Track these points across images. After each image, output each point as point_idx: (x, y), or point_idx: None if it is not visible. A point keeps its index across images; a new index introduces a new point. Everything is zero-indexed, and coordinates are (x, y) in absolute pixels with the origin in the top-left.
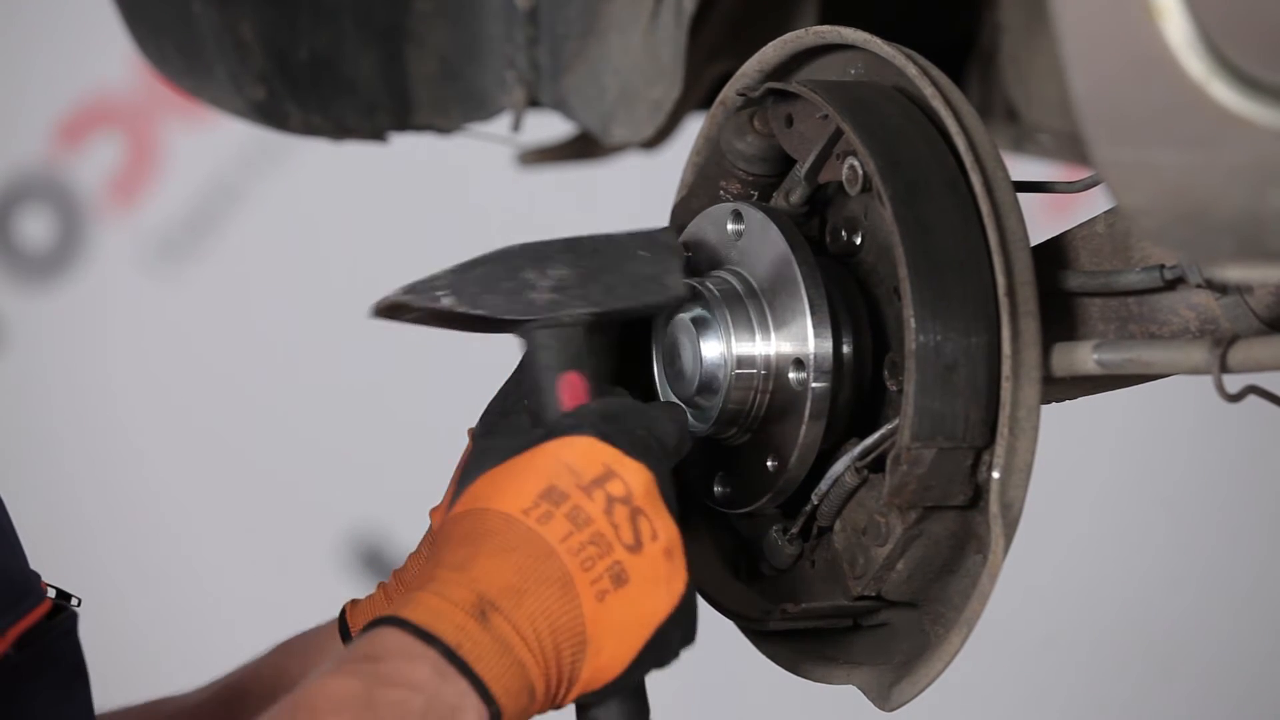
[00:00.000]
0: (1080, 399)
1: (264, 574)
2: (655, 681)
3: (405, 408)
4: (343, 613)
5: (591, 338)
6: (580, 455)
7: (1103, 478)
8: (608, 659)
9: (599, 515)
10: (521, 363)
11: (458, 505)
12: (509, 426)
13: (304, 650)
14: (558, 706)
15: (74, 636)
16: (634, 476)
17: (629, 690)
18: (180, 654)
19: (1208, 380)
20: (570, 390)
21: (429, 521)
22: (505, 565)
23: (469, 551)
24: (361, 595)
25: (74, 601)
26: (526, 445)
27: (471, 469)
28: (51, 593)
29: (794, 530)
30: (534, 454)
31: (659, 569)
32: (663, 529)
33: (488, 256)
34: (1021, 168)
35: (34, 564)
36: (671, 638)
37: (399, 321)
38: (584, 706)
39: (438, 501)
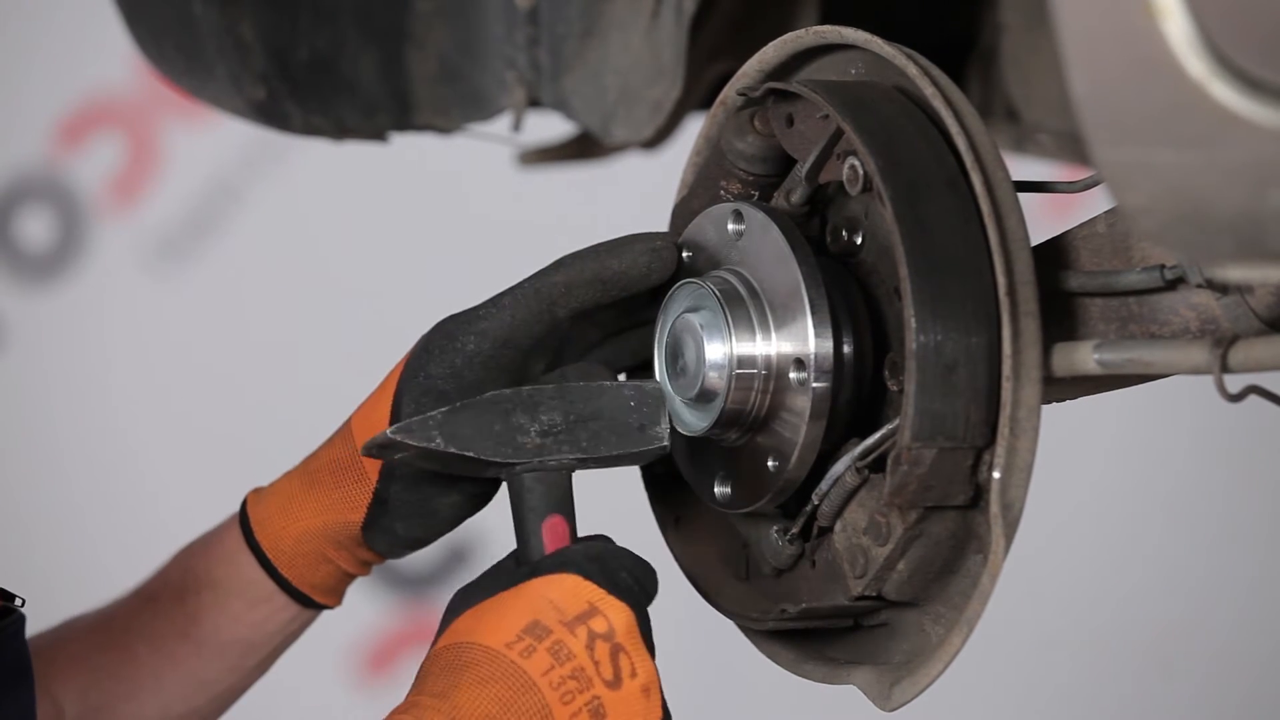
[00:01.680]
0: (1079, 399)
1: None
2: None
3: None
4: (244, 504)
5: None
6: (565, 592)
7: (1101, 477)
8: None
9: (581, 651)
10: (511, 504)
11: (441, 640)
12: (495, 569)
13: (206, 548)
14: None
15: (20, 638)
16: (616, 614)
17: None
18: None
19: (1205, 380)
20: (553, 534)
21: (349, 425)
22: (485, 696)
23: (450, 681)
24: (361, 597)
25: (18, 601)
26: (511, 583)
27: (456, 604)
28: None
29: (794, 530)
30: (519, 590)
31: (636, 706)
32: (642, 667)
33: (480, 400)
34: (1022, 168)
35: (32, 564)
36: None
37: (387, 459)
38: None
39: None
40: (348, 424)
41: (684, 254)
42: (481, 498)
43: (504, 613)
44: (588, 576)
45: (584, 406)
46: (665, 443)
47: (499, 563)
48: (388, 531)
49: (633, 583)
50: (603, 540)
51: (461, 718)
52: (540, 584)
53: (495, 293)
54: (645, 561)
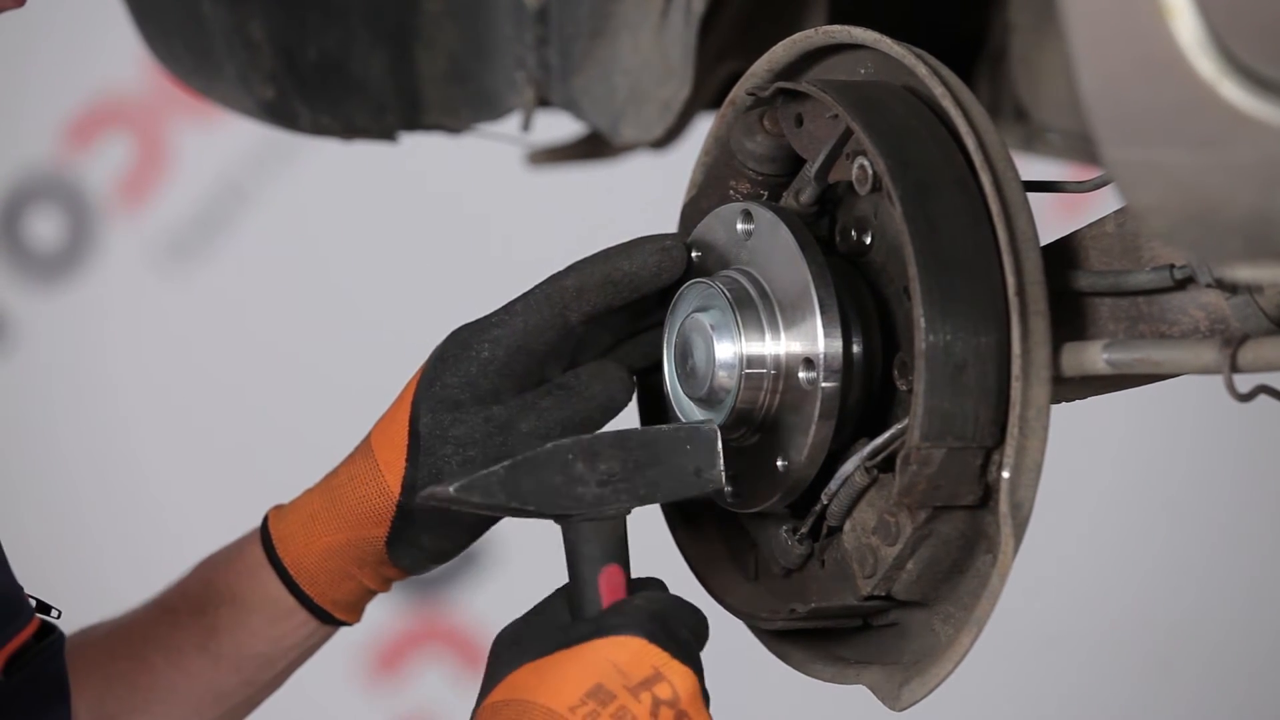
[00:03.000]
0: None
1: None
2: None
3: None
4: (265, 520)
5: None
6: (629, 657)
7: (1105, 477)
8: None
9: (644, 717)
10: (565, 550)
11: (496, 693)
12: (547, 612)
13: (227, 562)
14: None
15: (60, 658)
16: (681, 681)
17: None
18: None
19: (1209, 380)
20: (610, 584)
21: (368, 441)
22: None
23: None
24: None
25: (54, 613)
26: (573, 640)
27: (508, 656)
28: (32, 603)
29: (803, 530)
30: (582, 650)
31: None
32: None
33: (541, 453)
34: (1031, 167)
35: (44, 568)
36: None
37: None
38: None
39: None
40: (367, 439)
41: (693, 254)
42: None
43: (566, 673)
44: (652, 640)
45: (641, 453)
46: (722, 484)
47: (548, 605)
48: (413, 545)
49: (693, 640)
50: (658, 587)
51: None
52: (604, 645)
53: (504, 293)
54: (699, 610)
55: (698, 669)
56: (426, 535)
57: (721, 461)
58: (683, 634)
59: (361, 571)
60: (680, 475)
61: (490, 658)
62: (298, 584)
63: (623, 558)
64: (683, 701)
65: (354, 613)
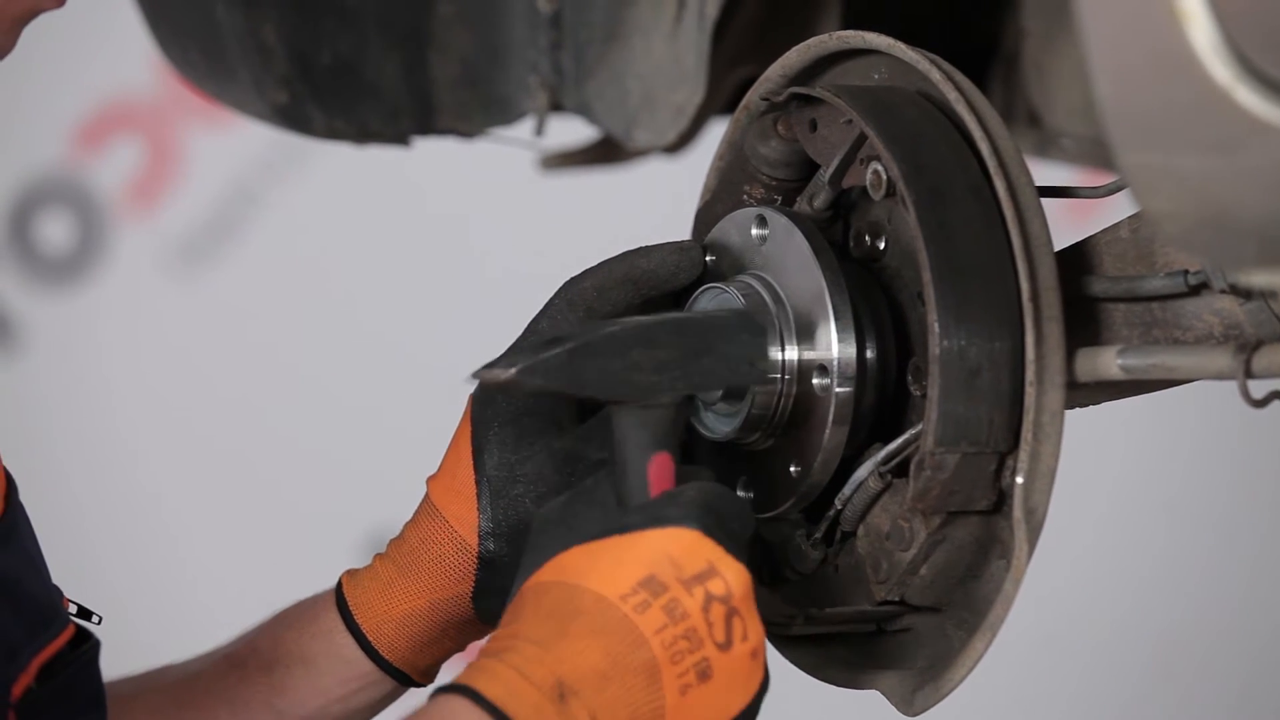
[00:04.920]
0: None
1: (283, 583)
2: None
3: (421, 413)
4: (340, 583)
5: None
6: (684, 549)
7: (1105, 480)
8: None
9: (696, 611)
10: (614, 438)
11: (543, 572)
12: (593, 493)
13: (301, 623)
14: None
15: (95, 667)
16: (735, 577)
17: None
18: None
19: (1211, 383)
20: (660, 471)
21: (426, 490)
22: (594, 648)
23: (556, 628)
24: None
25: (95, 619)
26: (627, 527)
27: (555, 534)
28: (73, 609)
29: (817, 535)
30: (635, 539)
31: (743, 669)
32: (754, 631)
33: (599, 338)
34: (1045, 172)
35: (58, 568)
36: None
37: (491, 396)
38: None
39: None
40: (427, 499)
41: (707, 258)
42: None
43: (620, 560)
44: (708, 533)
45: (698, 340)
46: (772, 375)
47: (593, 488)
48: (501, 593)
49: (743, 534)
50: (707, 478)
51: (567, 671)
52: (658, 536)
53: (516, 301)
54: (745, 504)
55: (751, 565)
56: (510, 577)
57: (773, 352)
58: (736, 528)
59: (446, 635)
60: (733, 365)
61: (532, 535)
62: (377, 650)
63: (673, 446)
64: (735, 598)
65: (429, 675)
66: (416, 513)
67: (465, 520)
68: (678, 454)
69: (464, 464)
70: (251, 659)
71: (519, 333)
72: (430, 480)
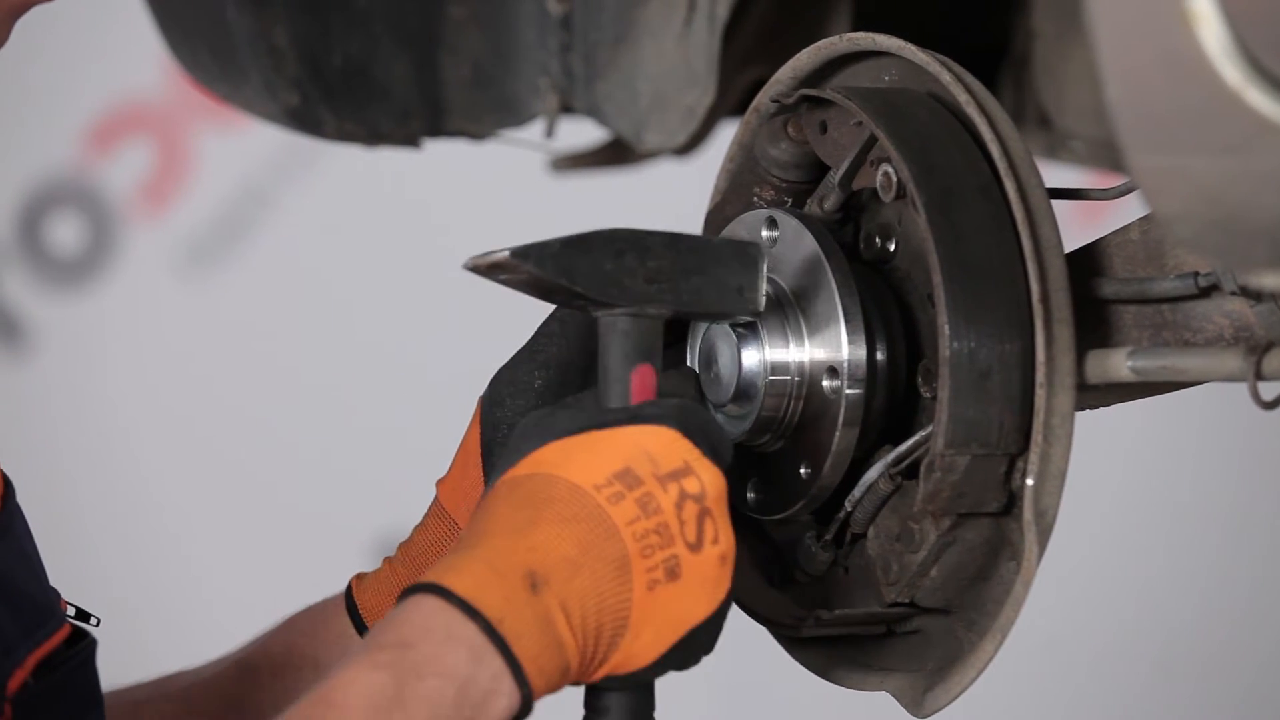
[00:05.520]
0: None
1: (294, 588)
2: (690, 688)
3: (430, 415)
4: (349, 586)
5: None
6: (661, 446)
7: (1108, 482)
8: (641, 648)
9: (669, 508)
10: (599, 346)
11: (520, 466)
12: (576, 402)
13: (312, 628)
14: (581, 683)
15: (91, 665)
16: (710, 478)
17: (643, 686)
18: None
19: (1220, 386)
20: (642, 382)
21: (435, 493)
22: (566, 535)
23: (529, 516)
24: None
25: (93, 620)
26: (607, 423)
27: (533, 434)
28: (71, 611)
29: (827, 537)
30: (615, 433)
31: (710, 572)
32: (724, 535)
33: (596, 236)
34: (1055, 174)
35: (66, 572)
36: (700, 642)
37: (488, 279)
38: (597, 692)
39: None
40: (436, 501)
41: None
42: None
43: (596, 453)
44: (686, 434)
45: (691, 259)
46: (760, 308)
47: (578, 399)
48: None
49: (725, 450)
50: (690, 398)
51: (539, 560)
52: (637, 432)
53: (523, 299)
54: (723, 429)
55: (725, 467)
56: None
57: (764, 285)
58: (719, 442)
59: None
60: (724, 290)
61: (512, 440)
62: None
63: (657, 360)
64: (709, 499)
65: None
66: (426, 515)
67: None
68: (660, 367)
69: (473, 465)
70: (263, 664)
71: (528, 336)
72: (439, 483)
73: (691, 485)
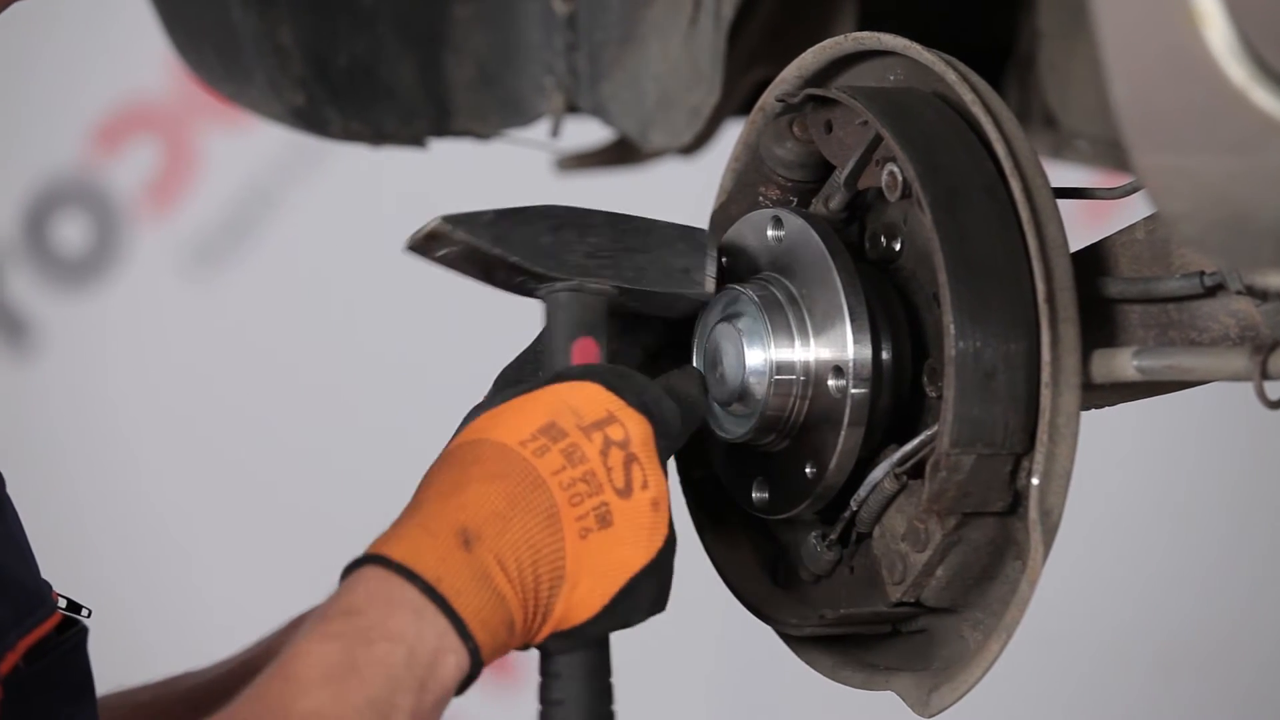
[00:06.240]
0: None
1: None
2: (694, 688)
3: (436, 416)
4: None
5: (611, 319)
6: (585, 399)
7: (1109, 482)
8: (582, 596)
9: (594, 456)
10: (544, 324)
11: (455, 440)
12: (519, 382)
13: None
14: (532, 644)
15: (83, 651)
16: (634, 425)
17: (595, 645)
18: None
19: (1221, 385)
20: (583, 353)
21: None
22: (493, 491)
23: (457, 477)
24: None
25: (84, 612)
26: (532, 387)
27: (474, 412)
28: (62, 603)
29: (833, 536)
30: (539, 393)
31: (643, 517)
32: (654, 479)
33: (532, 209)
34: (1060, 174)
35: (70, 569)
36: (643, 593)
37: (429, 260)
38: (549, 656)
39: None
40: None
41: (723, 259)
42: None
43: (521, 412)
44: (610, 387)
45: (633, 238)
46: (708, 289)
47: (527, 378)
48: None
49: (655, 406)
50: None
51: (469, 518)
52: (561, 388)
53: (530, 301)
54: (672, 401)
55: (655, 420)
56: None
57: (711, 268)
58: (645, 394)
59: None
60: (667, 269)
61: (459, 426)
62: None
63: (599, 335)
64: (633, 445)
65: None
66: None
67: None
68: (604, 344)
69: None
70: (266, 662)
71: (534, 337)
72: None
73: (616, 432)
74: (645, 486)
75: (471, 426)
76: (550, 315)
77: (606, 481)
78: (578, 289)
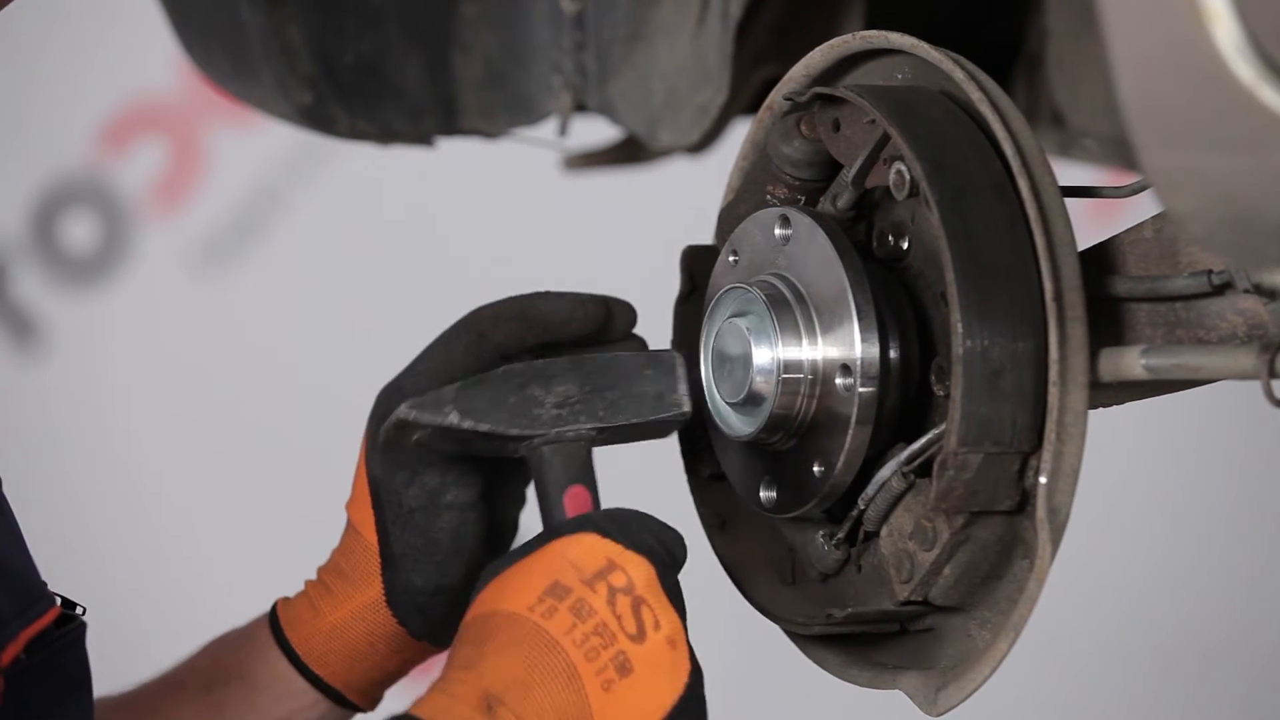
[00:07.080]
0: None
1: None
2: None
3: None
4: (274, 608)
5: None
6: (583, 551)
7: (1108, 480)
8: None
9: (602, 606)
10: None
11: (469, 612)
12: (522, 544)
13: (237, 644)
14: None
15: (81, 647)
16: (635, 568)
17: None
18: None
19: (1225, 384)
20: (575, 503)
21: (347, 517)
22: (511, 660)
23: (476, 651)
24: None
25: (79, 610)
26: (530, 549)
27: (481, 578)
28: (58, 600)
29: (840, 535)
30: (538, 554)
31: (663, 657)
32: (665, 619)
33: (494, 374)
34: (1068, 172)
35: (77, 568)
36: None
37: (405, 444)
38: None
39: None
40: (349, 523)
41: (730, 258)
42: (477, 513)
43: (526, 577)
44: (605, 534)
45: (599, 377)
46: (686, 409)
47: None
48: (407, 590)
49: (654, 542)
50: (629, 509)
51: (490, 684)
52: (559, 545)
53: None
54: (670, 526)
55: (655, 559)
56: (414, 573)
57: (684, 386)
58: (642, 535)
59: (374, 649)
60: (640, 398)
61: (472, 592)
62: (306, 664)
63: (588, 480)
64: (638, 588)
65: (367, 698)
66: (342, 536)
67: (365, 521)
68: (594, 488)
69: (360, 469)
70: (189, 679)
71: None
72: (348, 505)
73: (618, 579)
74: (658, 626)
75: (480, 599)
76: (536, 471)
77: (619, 630)
78: (556, 440)
